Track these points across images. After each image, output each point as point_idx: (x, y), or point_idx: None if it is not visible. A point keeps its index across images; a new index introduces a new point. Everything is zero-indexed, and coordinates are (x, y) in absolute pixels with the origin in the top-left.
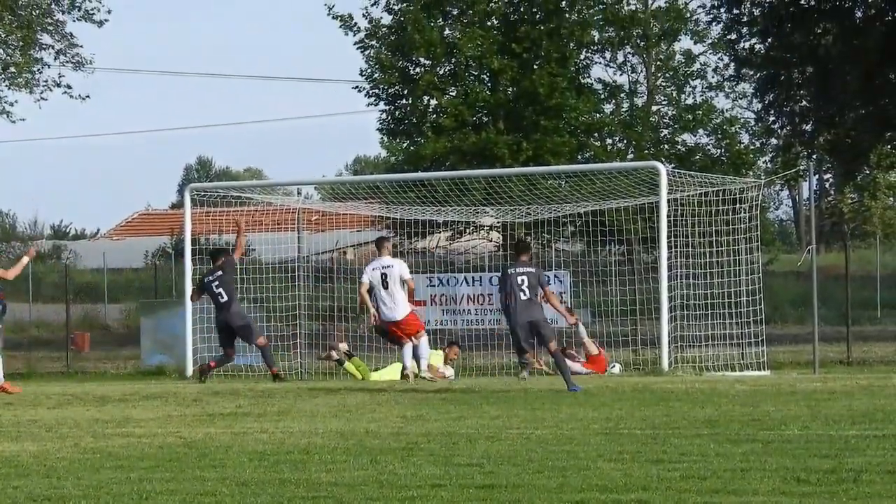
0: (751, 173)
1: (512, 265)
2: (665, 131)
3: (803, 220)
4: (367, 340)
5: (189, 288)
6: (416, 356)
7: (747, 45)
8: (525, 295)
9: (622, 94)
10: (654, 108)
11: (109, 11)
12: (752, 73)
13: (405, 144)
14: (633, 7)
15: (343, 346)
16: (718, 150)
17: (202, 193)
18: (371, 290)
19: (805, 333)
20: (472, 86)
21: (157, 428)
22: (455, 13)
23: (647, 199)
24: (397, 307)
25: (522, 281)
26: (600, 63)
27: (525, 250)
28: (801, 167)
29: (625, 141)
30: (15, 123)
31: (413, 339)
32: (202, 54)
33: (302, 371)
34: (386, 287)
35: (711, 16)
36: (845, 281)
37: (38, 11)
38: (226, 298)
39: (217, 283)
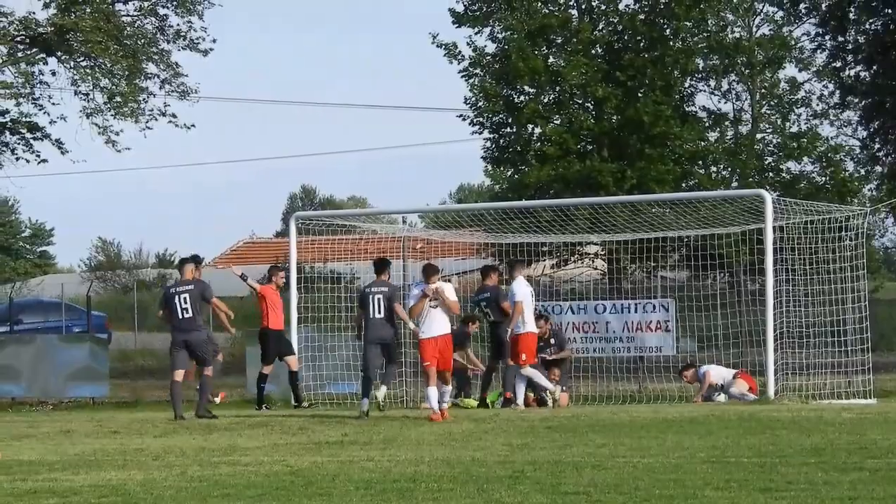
0: (856, 201)
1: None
2: (770, 159)
3: None
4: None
5: (295, 316)
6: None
7: (852, 72)
8: None
9: (727, 122)
10: (759, 135)
11: (214, 41)
12: (857, 100)
13: (509, 173)
14: (737, 35)
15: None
16: (823, 178)
17: (307, 222)
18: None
19: None
20: (576, 114)
21: (264, 456)
22: (559, 41)
23: (752, 226)
24: None
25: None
26: (705, 91)
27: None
28: None
29: (729, 169)
30: (120, 153)
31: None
32: (305, 83)
33: (407, 399)
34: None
35: (816, 43)
36: None
37: (143, 41)
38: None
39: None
